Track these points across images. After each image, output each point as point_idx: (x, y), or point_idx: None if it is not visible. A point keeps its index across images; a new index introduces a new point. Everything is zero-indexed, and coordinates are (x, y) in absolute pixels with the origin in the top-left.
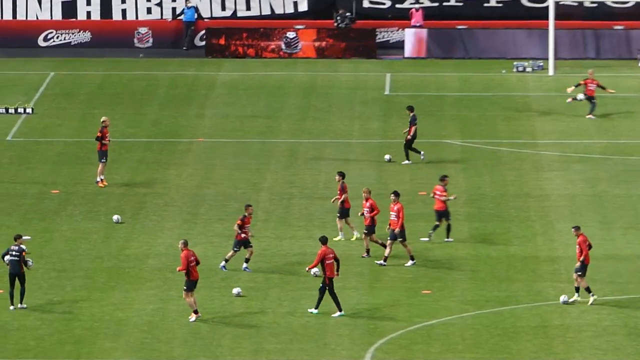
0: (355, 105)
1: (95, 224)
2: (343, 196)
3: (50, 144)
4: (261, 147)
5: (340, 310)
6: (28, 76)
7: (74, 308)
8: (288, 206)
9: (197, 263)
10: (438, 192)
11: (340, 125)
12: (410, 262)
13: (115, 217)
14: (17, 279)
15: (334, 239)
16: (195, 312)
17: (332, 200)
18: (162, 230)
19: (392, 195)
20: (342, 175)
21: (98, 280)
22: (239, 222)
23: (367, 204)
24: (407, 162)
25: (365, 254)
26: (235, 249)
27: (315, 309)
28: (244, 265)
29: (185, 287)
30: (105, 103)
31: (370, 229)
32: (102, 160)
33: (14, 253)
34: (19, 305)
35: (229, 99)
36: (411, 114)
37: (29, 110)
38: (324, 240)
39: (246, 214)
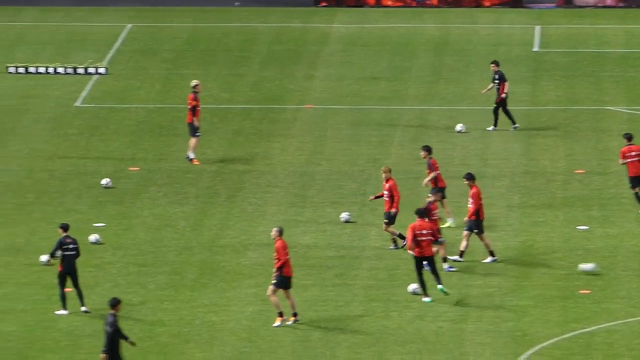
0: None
1: (183, 208)
2: (432, 174)
3: (127, 111)
4: (383, 116)
5: (427, 296)
6: (100, 29)
7: (158, 310)
8: (415, 186)
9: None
10: (635, 152)
11: (478, 88)
12: (489, 259)
13: (92, 237)
14: (70, 277)
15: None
16: (280, 314)
17: (424, 182)
18: (263, 215)
19: (464, 178)
20: (427, 150)
21: (187, 277)
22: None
23: (387, 185)
24: (491, 128)
25: (392, 244)
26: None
27: (426, 296)
28: (445, 265)
29: (274, 282)
30: (193, 62)
31: (390, 217)
32: (197, 134)
33: (71, 247)
34: (82, 308)
35: (344, 57)
36: (497, 70)
37: (101, 70)
38: (419, 213)
39: (431, 200)
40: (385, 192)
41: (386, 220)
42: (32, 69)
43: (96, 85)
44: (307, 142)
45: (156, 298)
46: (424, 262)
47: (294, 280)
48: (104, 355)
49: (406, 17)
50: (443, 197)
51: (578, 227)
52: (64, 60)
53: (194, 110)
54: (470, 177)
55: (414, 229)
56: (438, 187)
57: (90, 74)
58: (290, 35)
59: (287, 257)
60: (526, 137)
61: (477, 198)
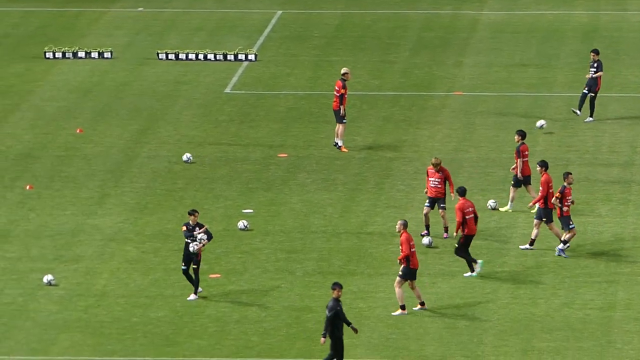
0: None
1: (331, 195)
2: (518, 161)
3: (277, 97)
4: (532, 103)
5: (472, 271)
6: (250, 15)
7: (305, 297)
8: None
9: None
10: None
11: (629, 76)
12: (561, 246)
13: (240, 223)
14: (191, 262)
15: (500, 209)
16: (403, 307)
17: (512, 168)
18: (411, 203)
19: (537, 165)
20: (522, 135)
21: (334, 264)
22: (557, 194)
23: (440, 174)
24: (590, 119)
25: (425, 231)
26: (567, 226)
27: (472, 271)
28: (560, 246)
29: (400, 274)
30: (343, 49)
31: (432, 202)
32: (344, 122)
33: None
34: (192, 297)
35: (493, 44)
36: (597, 59)
37: (251, 56)
38: (462, 192)
39: (565, 183)
40: (438, 180)
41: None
42: (182, 56)
43: (246, 72)
44: (455, 129)
45: (304, 284)
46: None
47: (443, 268)
48: (324, 339)
49: (556, 4)
50: (522, 184)
51: None
52: (215, 46)
53: (341, 98)
54: (542, 164)
55: (461, 209)
56: (522, 175)
57: (240, 60)
58: (440, 22)
59: (412, 250)
60: None
61: (546, 186)
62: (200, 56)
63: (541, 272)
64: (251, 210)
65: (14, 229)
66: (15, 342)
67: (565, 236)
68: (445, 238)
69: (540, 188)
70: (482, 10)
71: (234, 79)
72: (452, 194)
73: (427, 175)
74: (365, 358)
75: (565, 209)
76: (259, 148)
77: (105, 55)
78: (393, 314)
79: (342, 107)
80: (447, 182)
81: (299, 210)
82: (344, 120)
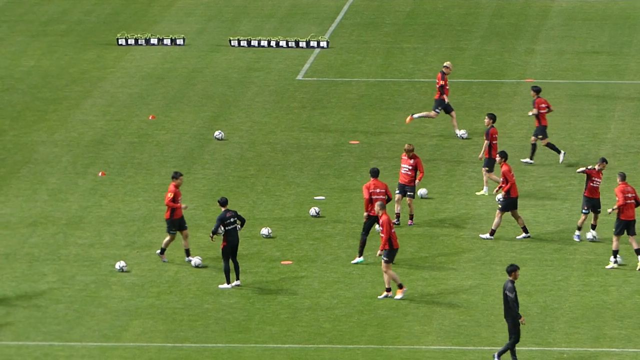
0: None
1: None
2: (486, 143)
3: (348, 84)
4: (604, 90)
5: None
6: (322, 2)
7: (377, 284)
8: (636, 162)
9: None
10: None
11: None
12: (522, 235)
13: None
14: (232, 251)
15: (477, 192)
16: (390, 289)
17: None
18: (481, 189)
19: (497, 156)
20: (492, 117)
21: (406, 250)
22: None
23: (411, 161)
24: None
25: (396, 219)
26: (584, 210)
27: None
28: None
29: (386, 259)
30: (415, 35)
31: (402, 189)
32: (437, 110)
33: (232, 220)
34: (235, 282)
35: (565, 32)
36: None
37: (323, 43)
38: (374, 173)
39: (596, 167)
40: (409, 167)
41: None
42: (254, 42)
43: (318, 59)
44: (527, 117)
45: (375, 271)
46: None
47: (514, 256)
48: (523, 318)
49: None
50: (491, 170)
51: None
52: (286, 33)
53: (441, 89)
54: (502, 155)
55: (368, 188)
56: (490, 158)
57: (312, 47)
58: (512, 9)
59: (392, 231)
60: None
61: (510, 175)
62: (272, 43)
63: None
64: (323, 197)
65: (86, 216)
66: (88, 328)
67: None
68: (410, 225)
69: (503, 178)
70: None
71: (306, 66)
72: (417, 181)
73: (401, 162)
74: (437, 345)
75: (593, 185)
76: (330, 135)
77: (178, 42)
78: (396, 297)
79: (444, 96)
80: (417, 169)
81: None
82: (437, 110)
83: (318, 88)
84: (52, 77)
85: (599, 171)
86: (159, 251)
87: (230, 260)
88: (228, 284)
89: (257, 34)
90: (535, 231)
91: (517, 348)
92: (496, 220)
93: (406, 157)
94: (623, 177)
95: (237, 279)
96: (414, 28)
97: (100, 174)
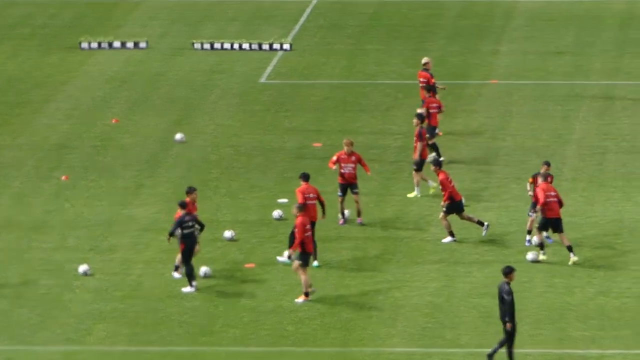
0: None
1: (366, 184)
2: (419, 144)
3: (312, 86)
4: (568, 91)
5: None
6: (285, 5)
7: (340, 286)
8: (601, 162)
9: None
10: None
11: None
12: (449, 239)
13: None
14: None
15: (408, 195)
16: (309, 294)
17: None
18: (412, 191)
19: (431, 165)
20: (420, 118)
21: (370, 253)
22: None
23: (353, 158)
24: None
25: (342, 219)
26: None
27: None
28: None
29: (300, 262)
30: (379, 37)
31: (344, 189)
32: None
33: (190, 224)
34: (190, 289)
35: (529, 32)
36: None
37: (286, 46)
38: (305, 177)
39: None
40: (352, 166)
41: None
42: (217, 45)
43: (281, 61)
44: (491, 118)
45: (338, 274)
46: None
47: (478, 257)
48: (509, 324)
49: None
50: (419, 169)
51: None
52: (250, 36)
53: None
54: (436, 164)
55: (302, 192)
56: (422, 159)
57: (275, 49)
58: (476, 10)
59: (307, 234)
60: None
61: (447, 182)
62: (236, 46)
63: (578, 260)
64: (286, 200)
65: (50, 220)
66: (51, 332)
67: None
68: (359, 224)
69: (442, 187)
70: None
71: (269, 69)
72: (369, 173)
73: (339, 162)
74: (401, 347)
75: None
76: (294, 137)
77: (141, 45)
78: (296, 301)
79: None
80: (360, 164)
81: (334, 199)
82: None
83: (281, 91)
84: (16, 81)
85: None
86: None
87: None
88: (191, 287)
89: (220, 37)
90: (498, 232)
91: (477, 350)
92: (444, 223)
93: (345, 156)
94: (545, 177)
95: (194, 280)
96: (378, 30)
97: (63, 177)
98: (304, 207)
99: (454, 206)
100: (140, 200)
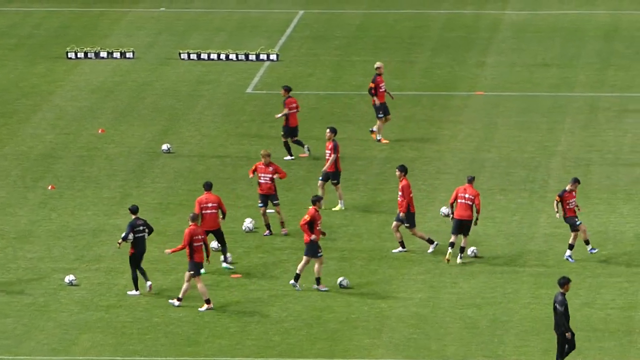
0: None
1: (352, 195)
2: (332, 157)
3: (298, 97)
4: (553, 103)
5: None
6: (272, 15)
7: (326, 297)
8: (586, 174)
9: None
10: None
11: None
12: (399, 249)
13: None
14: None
15: (333, 209)
16: (210, 301)
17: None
18: (433, 202)
19: (397, 170)
20: (333, 131)
21: (356, 264)
22: (557, 198)
23: (270, 169)
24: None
25: (267, 231)
26: (574, 226)
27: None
28: (567, 253)
29: (192, 272)
30: (365, 49)
31: (265, 200)
32: (380, 116)
33: (141, 228)
34: (148, 283)
35: (515, 44)
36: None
37: (273, 56)
38: (206, 187)
39: (567, 188)
40: (269, 176)
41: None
42: (204, 56)
43: (267, 72)
44: (477, 129)
45: (325, 284)
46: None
47: (464, 268)
48: (569, 333)
49: (578, 4)
50: (338, 182)
51: None
52: (236, 46)
53: (375, 91)
54: (402, 169)
55: (200, 202)
56: (334, 172)
57: (261, 60)
58: (462, 21)
59: (195, 244)
60: None
61: (408, 190)
62: (222, 56)
63: (562, 272)
64: (272, 211)
65: (35, 229)
66: (37, 342)
67: (571, 239)
68: (284, 234)
69: (400, 193)
70: (505, 10)
71: (256, 79)
72: (282, 177)
73: (257, 172)
74: (386, 358)
75: (569, 207)
76: (280, 148)
77: (127, 55)
78: (200, 309)
79: (379, 100)
80: (277, 172)
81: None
82: (380, 115)
83: (268, 101)
84: (2, 91)
85: (571, 192)
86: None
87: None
88: (136, 290)
89: (206, 47)
90: (485, 244)
91: None
92: (418, 235)
93: (263, 166)
94: (470, 180)
95: (147, 279)
96: (364, 41)
97: (49, 187)
98: (196, 217)
99: (411, 217)
100: (126, 211)
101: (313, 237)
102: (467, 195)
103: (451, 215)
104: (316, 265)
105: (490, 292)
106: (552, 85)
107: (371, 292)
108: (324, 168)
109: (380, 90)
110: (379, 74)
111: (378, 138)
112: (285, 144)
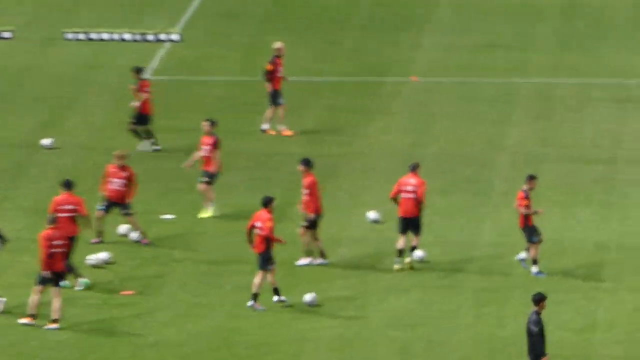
0: None
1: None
2: (216, 154)
3: (204, 84)
4: (501, 90)
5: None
6: None
7: (236, 316)
8: (539, 172)
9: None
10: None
11: (616, 59)
12: (303, 261)
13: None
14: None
15: (200, 215)
16: (32, 316)
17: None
18: (359, 206)
19: (300, 164)
20: (212, 123)
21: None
22: (525, 201)
23: (124, 174)
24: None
25: (97, 238)
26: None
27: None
28: (523, 255)
29: (40, 279)
30: (282, 28)
31: (109, 206)
32: (279, 102)
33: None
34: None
35: (456, 23)
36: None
37: (175, 37)
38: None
39: (526, 187)
40: (123, 182)
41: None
42: (94, 35)
43: (169, 55)
44: (412, 121)
45: (234, 301)
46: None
47: (394, 283)
48: (545, 358)
49: None
50: (209, 182)
51: None
52: (132, 25)
53: (271, 76)
54: (306, 163)
55: (56, 203)
56: (208, 171)
57: (161, 41)
58: None
59: (52, 250)
60: None
61: (315, 188)
62: (116, 36)
63: (509, 287)
64: (172, 216)
65: None
66: None
67: (529, 252)
68: (94, 242)
69: (308, 192)
70: None
71: (155, 63)
72: (129, 201)
73: (107, 175)
74: None
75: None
76: (182, 142)
77: (4, 35)
78: (19, 321)
79: (274, 87)
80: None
81: (226, 214)
82: (281, 101)
83: (169, 88)
84: None
85: (530, 191)
86: None
87: None
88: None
89: (97, 26)
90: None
91: None
92: (305, 240)
93: (116, 169)
94: (413, 168)
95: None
96: (282, 19)
97: None
98: (54, 220)
99: (315, 221)
100: (0, 215)
101: (283, 241)
102: (410, 187)
103: (381, 221)
104: (270, 277)
105: (426, 310)
106: (500, 70)
107: (288, 311)
108: (210, 168)
109: (278, 75)
110: (278, 56)
111: (280, 129)
112: (134, 131)
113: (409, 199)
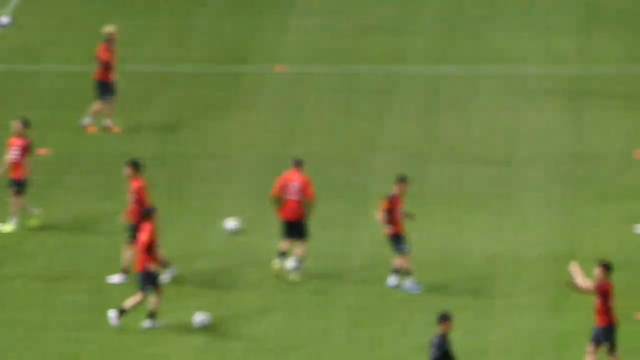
0: (539, 13)
1: (111, 204)
2: (25, 159)
3: (38, 75)
4: (380, 80)
5: None
6: None
7: (72, 341)
8: (421, 174)
9: None
10: None
11: (510, 43)
12: (393, 279)
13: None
14: None
15: (1, 230)
16: None
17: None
18: (215, 216)
19: (126, 166)
20: (25, 123)
21: (111, 295)
22: (385, 206)
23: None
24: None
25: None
26: (399, 249)
27: None
28: (391, 280)
29: None
30: (130, 9)
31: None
32: (107, 97)
33: None
34: None
35: (328, 3)
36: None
37: (4, 19)
38: None
39: (396, 191)
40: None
41: None
42: None
43: None
44: (278, 116)
45: (75, 323)
46: None
47: (258, 303)
48: None
49: None
50: (18, 192)
51: (638, 227)
52: None
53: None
54: (133, 165)
55: None
56: (17, 180)
57: None
58: None
59: None
60: (573, 108)
61: (144, 197)
62: None
63: (387, 305)
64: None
65: None
66: None
67: (396, 263)
68: None
69: (136, 198)
70: None
71: None
72: None
73: None
74: None
75: (395, 219)
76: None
77: None
78: None
79: (107, 78)
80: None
81: (65, 224)
82: (108, 96)
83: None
84: None
85: (399, 196)
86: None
87: None
88: None
89: None
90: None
91: None
92: (126, 255)
93: None
94: (297, 164)
95: None
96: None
97: None
98: None
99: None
100: None
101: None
102: (296, 186)
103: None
104: (155, 299)
105: (294, 332)
106: (379, 57)
107: (134, 333)
108: (17, 175)
109: (110, 64)
110: (109, 41)
111: (106, 124)
112: None
113: (292, 200)
